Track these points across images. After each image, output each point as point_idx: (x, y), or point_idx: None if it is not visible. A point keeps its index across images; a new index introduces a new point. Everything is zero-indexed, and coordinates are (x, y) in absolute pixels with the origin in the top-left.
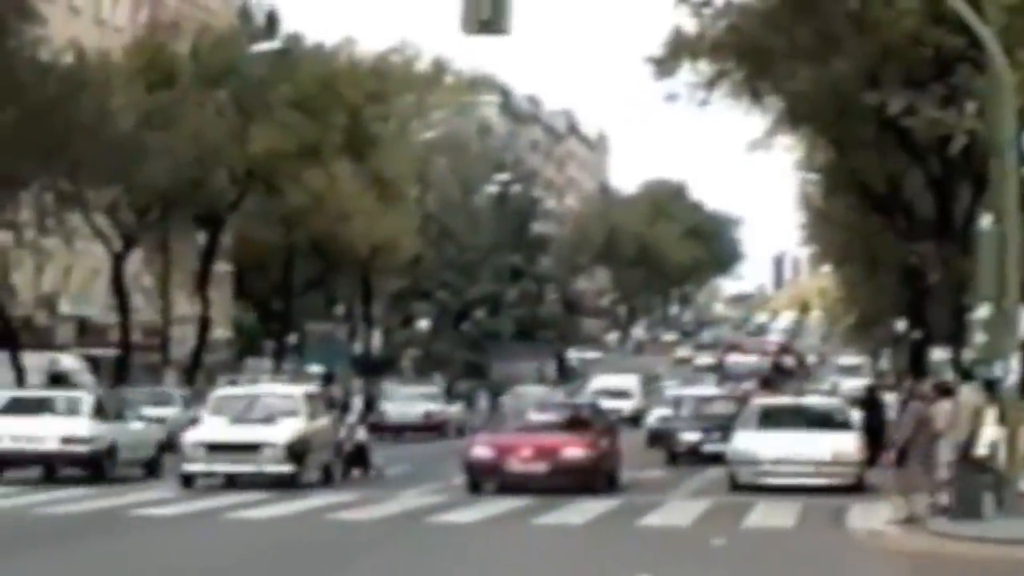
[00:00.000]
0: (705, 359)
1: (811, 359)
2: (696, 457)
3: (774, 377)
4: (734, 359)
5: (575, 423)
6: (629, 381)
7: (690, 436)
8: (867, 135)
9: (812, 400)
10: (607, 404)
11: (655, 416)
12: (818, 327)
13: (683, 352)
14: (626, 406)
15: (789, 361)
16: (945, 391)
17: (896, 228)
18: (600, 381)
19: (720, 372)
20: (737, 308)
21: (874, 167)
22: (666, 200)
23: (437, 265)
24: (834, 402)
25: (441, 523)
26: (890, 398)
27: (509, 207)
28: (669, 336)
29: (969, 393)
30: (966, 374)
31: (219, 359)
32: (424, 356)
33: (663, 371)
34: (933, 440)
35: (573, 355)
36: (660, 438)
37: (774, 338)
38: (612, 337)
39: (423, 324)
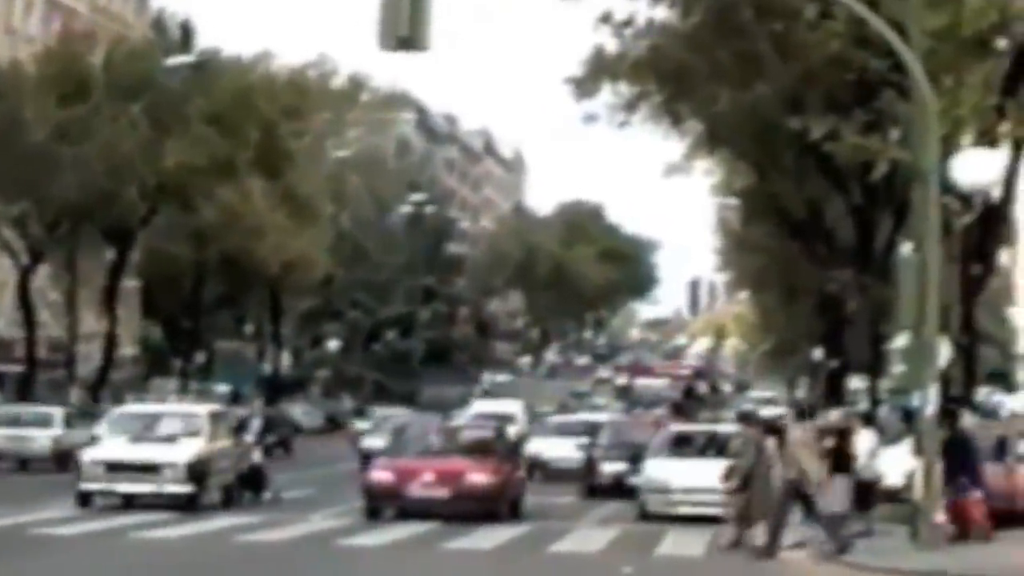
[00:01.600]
0: (623, 380)
1: (727, 388)
2: (619, 491)
3: (686, 403)
4: (644, 383)
5: (478, 447)
6: (512, 406)
7: (612, 467)
8: (788, 160)
9: (727, 427)
10: (460, 433)
11: (535, 445)
12: (734, 354)
13: (604, 373)
14: (508, 433)
15: (703, 387)
16: (771, 429)
17: (815, 255)
18: (480, 406)
19: (628, 397)
20: (652, 333)
21: (794, 193)
22: (582, 222)
23: (349, 285)
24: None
25: (348, 547)
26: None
27: (423, 227)
28: (583, 360)
29: (799, 432)
30: (800, 412)
31: (125, 377)
32: (334, 377)
33: (590, 389)
34: (767, 474)
35: (487, 378)
36: (538, 467)
37: (688, 362)
38: (525, 361)
39: (333, 344)
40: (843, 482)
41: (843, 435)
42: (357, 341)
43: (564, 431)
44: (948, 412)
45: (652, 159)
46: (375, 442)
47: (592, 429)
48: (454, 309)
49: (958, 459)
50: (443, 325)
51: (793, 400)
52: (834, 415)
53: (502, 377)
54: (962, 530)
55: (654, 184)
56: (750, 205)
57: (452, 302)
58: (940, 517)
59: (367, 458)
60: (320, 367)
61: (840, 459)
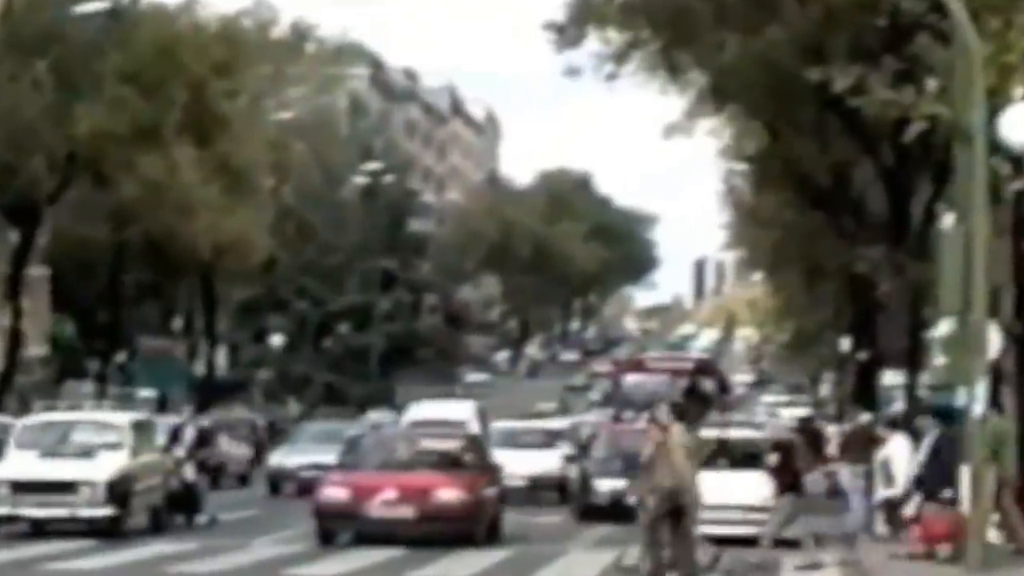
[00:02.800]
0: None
1: (739, 390)
2: (618, 511)
3: (688, 405)
4: (634, 380)
5: (449, 459)
6: (461, 410)
7: (609, 483)
8: (807, 117)
9: (741, 434)
10: (427, 442)
11: None
12: (747, 346)
13: (600, 367)
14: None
15: (709, 385)
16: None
17: (841, 228)
18: (420, 410)
19: (615, 398)
20: (651, 322)
21: (815, 155)
22: (567, 194)
23: (294, 270)
24: (766, 436)
25: None
26: (832, 431)
27: (380, 201)
28: (570, 355)
29: (679, 435)
30: (680, 413)
31: (33, 381)
32: (278, 378)
33: (588, 382)
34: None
35: (469, 378)
36: None
37: (690, 355)
38: (502, 357)
39: (277, 340)
40: (790, 503)
41: (788, 450)
42: (305, 336)
43: (515, 442)
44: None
45: (647, 119)
46: (289, 459)
47: (551, 438)
48: (418, 297)
49: (946, 461)
50: (406, 316)
51: (819, 399)
52: (773, 427)
53: (475, 376)
54: (928, 550)
55: (650, 149)
56: (763, 171)
57: (416, 289)
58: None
59: (276, 481)
60: (261, 367)
61: (788, 478)
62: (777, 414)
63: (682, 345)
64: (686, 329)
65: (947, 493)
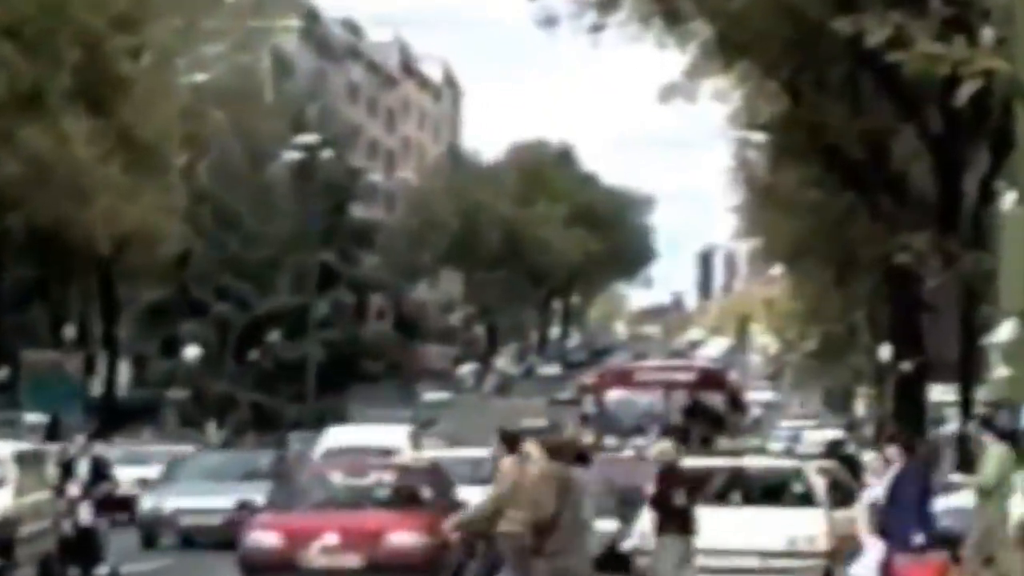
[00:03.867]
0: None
1: (755, 410)
2: (616, 562)
3: (690, 426)
4: (620, 397)
5: (405, 494)
6: (391, 435)
7: (600, 526)
8: (836, 76)
9: (758, 463)
10: (376, 474)
11: None
12: (764, 356)
13: (589, 380)
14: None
15: (717, 401)
16: (582, 458)
17: (878, 211)
18: (340, 435)
19: (596, 418)
20: (649, 326)
21: (845, 122)
22: (543, 171)
23: (213, 265)
24: (790, 465)
25: None
26: (869, 458)
27: (316, 182)
28: (549, 369)
29: (539, 458)
30: (508, 439)
31: None
32: (194, 398)
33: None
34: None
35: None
36: None
37: (692, 363)
38: (467, 371)
39: (192, 352)
40: (676, 546)
41: (667, 480)
42: (226, 346)
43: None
44: (902, 437)
45: (640, 80)
46: (166, 502)
47: (480, 469)
48: (364, 299)
49: (912, 498)
50: (348, 322)
51: (853, 420)
52: (659, 447)
53: (434, 394)
54: None
55: (644, 116)
56: (783, 141)
57: (361, 289)
58: None
59: (150, 529)
60: (174, 384)
61: (669, 513)
62: (801, 438)
63: (685, 355)
64: (691, 335)
65: (918, 539)
